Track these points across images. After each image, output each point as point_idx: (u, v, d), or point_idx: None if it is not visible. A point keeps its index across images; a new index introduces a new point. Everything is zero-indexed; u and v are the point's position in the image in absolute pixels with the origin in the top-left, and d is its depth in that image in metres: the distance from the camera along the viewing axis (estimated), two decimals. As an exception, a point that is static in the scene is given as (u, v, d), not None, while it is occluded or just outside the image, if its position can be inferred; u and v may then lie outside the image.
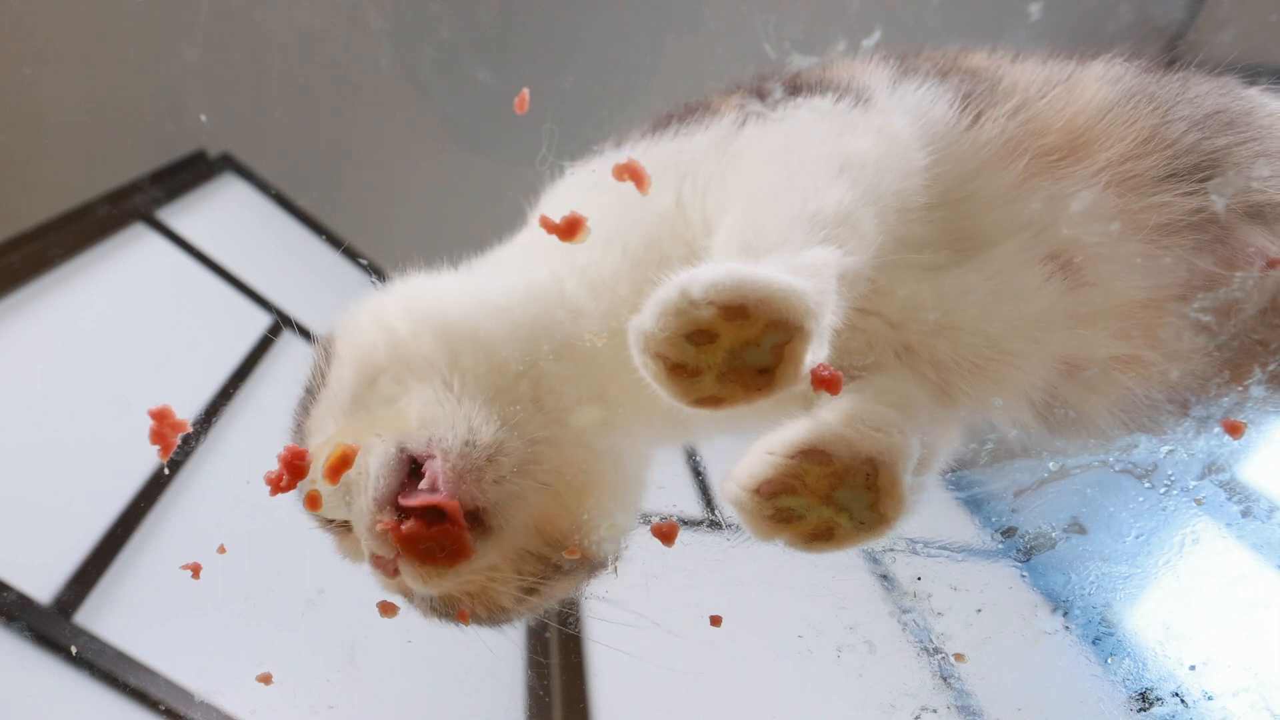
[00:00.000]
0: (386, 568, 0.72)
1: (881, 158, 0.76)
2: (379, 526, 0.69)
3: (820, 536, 0.64)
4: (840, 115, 0.80)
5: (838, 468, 0.62)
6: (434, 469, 0.70)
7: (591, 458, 0.79)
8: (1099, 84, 0.83)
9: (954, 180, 0.79)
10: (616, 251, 0.81)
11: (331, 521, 0.80)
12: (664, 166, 0.83)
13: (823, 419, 0.66)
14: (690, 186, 0.82)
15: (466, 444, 0.70)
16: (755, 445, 0.66)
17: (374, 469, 0.71)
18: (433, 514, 0.69)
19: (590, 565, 0.82)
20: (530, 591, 0.78)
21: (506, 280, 0.84)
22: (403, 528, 0.68)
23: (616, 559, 0.84)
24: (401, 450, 0.72)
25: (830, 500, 0.63)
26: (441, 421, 0.72)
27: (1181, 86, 0.83)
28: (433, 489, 0.69)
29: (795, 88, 0.84)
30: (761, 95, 0.84)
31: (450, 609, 0.78)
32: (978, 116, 0.81)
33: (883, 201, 0.75)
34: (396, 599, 0.82)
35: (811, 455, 0.63)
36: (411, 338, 0.78)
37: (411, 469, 0.72)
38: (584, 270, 0.82)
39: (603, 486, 0.80)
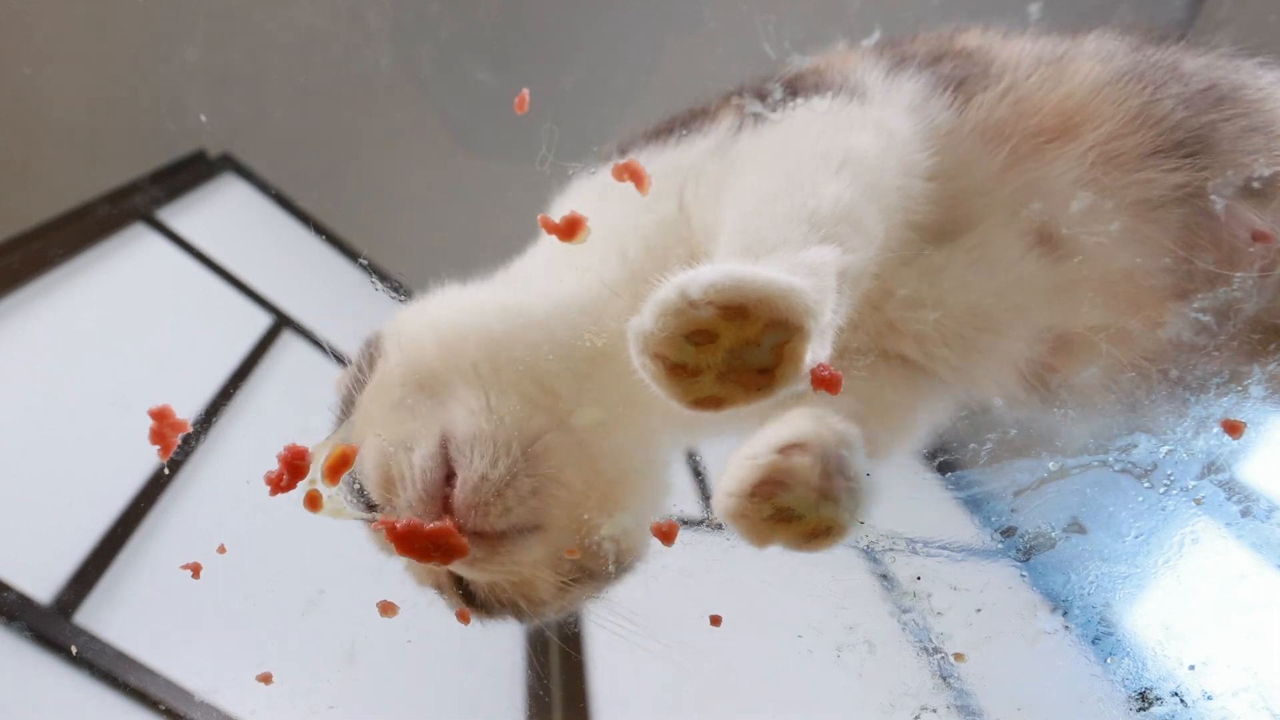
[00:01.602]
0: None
1: (882, 153, 0.77)
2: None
3: (819, 534, 0.64)
4: (837, 112, 0.81)
5: (816, 455, 0.63)
6: (454, 490, 0.72)
7: (622, 460, 0.81)
8: (1091, 62, 0.83)
9: (948, 171, 0.80)
10: (617, 259, 0.82)
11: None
12: (666, 173, 0.83)
13: (789, 422, 0.67)
14: (691, 193, 0.82)
15: (483, 478, 0.72)
16: (733, 458, 0.67)
17: (418, 463, 0.73)
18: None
19: (626, 566, 0.84)
20: (566, 588, 0.80)
21: (541, 293, 0.84)
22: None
23: (633, 561, 0.86)
24: (444, 449, 0.74)
25: (824, 494, 0.63)
26: (469, 442, 0.74)
27: (1174, 63, 0.83)
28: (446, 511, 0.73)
29: (792, 89, 0.84)
30: (759, 97, 0.85)
31: (494, 599, 0.80)
32: (968, 101, 0.81)
33: (885, 198, 0.75)
34: (430, 593, 0.84)
35: (793, 450, 0.63)
36: (452, 350, 0.80)
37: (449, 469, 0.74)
38: (604, 279, 0.83)
39: (632, 486, 0.82)
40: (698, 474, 1.11)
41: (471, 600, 0.81)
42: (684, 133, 0.87)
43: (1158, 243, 0.77)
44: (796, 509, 0.63)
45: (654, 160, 0.85)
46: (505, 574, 0.76)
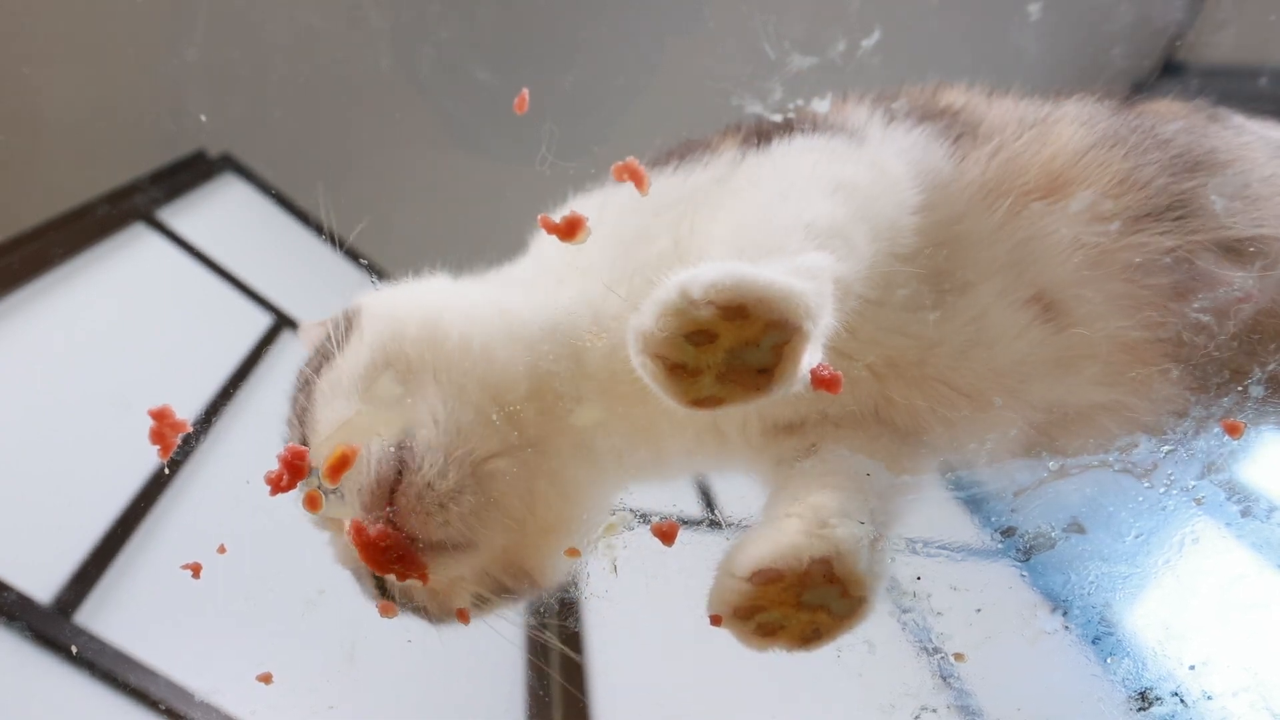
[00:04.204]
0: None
1: (873, 184, 0.78)
2: (348, 527, 0.71)
3: (810, 638, 0.66)
4: (834, 148, 0.82)
5: (792, 579, 0.64)
6: (400, 491, 0.72)
7: (565, 501, 0.82)
8: (1074, 126, 0.85)
9: (941, 222, 0.81)
10: (622, 290, 0.82)
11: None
12: (663, 205, 0.84)
13: (773, 531, 0.68)
14: (688, 228, 0.83)
15: (429, 486, 0.72)
16: (721, 565, 0.69)
17: (375, 455, 0.73)
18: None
19: (542, 590, 0.85)
20: (481, 602, 0.81)
21: (526, 310, 0.84)
22: (370, 531, 0.70)
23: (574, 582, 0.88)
24: (398, 450, 0.74)
25: (802, 604, 0.64)
26: (425, 445, 0.74)
27: (1151, 128, 0.85)
28: (390, 520, 0.72)
29: (790, 127, 0.85)
30: (760, 134, 0.85)
31: (405, 597, 0.80)
32: (963, 158, 0.82)
33: (875, 223, 0.76)
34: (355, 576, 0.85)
35: (764, 576, 0.64)
36: (432, 342, 0.79)
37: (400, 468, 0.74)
38: (593, 305, 0.83)
39: (568, 526, 0.82)
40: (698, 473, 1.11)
41: (384, 593, 0.82)
42: (683, 164, 0.87)
43: (1153, 306, 0.79)
44: (778, 620, 0.65)
45: (652, 189, 0.85)
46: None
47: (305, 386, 0.83)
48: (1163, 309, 0.79)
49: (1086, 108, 0.88)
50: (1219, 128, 0.89)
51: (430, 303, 0.84)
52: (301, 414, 0.81)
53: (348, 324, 0.84)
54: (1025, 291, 0.80)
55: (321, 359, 0.83)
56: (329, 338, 0.84)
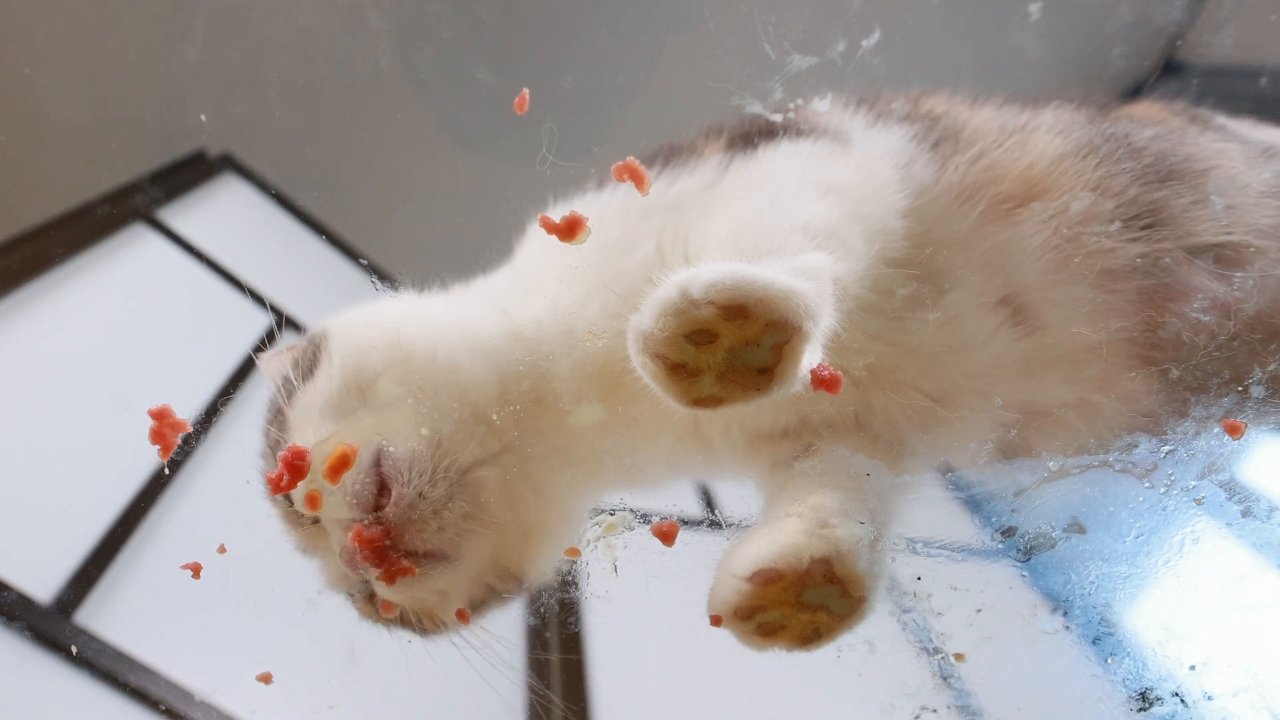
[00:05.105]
0: (354, 563, 0.74)
1: (863, 186, 0.79)
2: (346, 525, 0.72)
3: (810, 638, 0.66)
4: (820, 152, 0.83)
5: (792, 579, 0.64)
6: (387, 506, 0.73)
7: (544, 505, 0.83)
8: (1050, 135, 0.85)
9: (922, 223, 0.81)
10: (597, 302, 0.82)
11: (299, 515, 0.81)
12: (648, 212, 0.84)
13: (773, 531, 0.68)
14: (671, 235, 0.83)
15: (421, 496, 0.73)
16: (721, 565, 0.69)
17: (352, 477, 0.74)
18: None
19: (529, 591, 0.87)
20: (471, 609, 0.82)
21: (492, 321, 0.85)
22: (363, 530, 0.71)
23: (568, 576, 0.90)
24: (377, 465, 0.74)
25: (802, 604, 0.65)
26: (406, 458, 0.74)
27: (1126, 137, 0.85)
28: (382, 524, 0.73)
29: (773, 131, 0.85)
30: (745, 138, 0.86)
31: (391, 615, 0.81)
32: (943, 163, 0.83)
33: (868, 224, 0.76)
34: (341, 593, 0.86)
35: (764, 576, 0.65)
36: (400, 359, 0.80)
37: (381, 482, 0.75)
38: (565, 317, 0.83)
39: (549, 529, 0.84)
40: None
41: (378, 614, 0.82)
42: (668, 168, 0.87)
43: (1122, 312, 0.79)
44: (778, 620, 0.65)
45: (635, 197, 0.85)
46: (410, 600, 0.77)
47: (277, 417, 0.83)
48: (1133, 313, 0.80)
49: (1064, 116, 0.89)
50: (1197, 132, 0.90)
51: (393, 325, 0.84)
52: (275, 446, 0.81)
53: (314, 350, 0.84)
54: (995, 295, 0.81)
55: (290, 388, 0.83)
56: (296, 365, 0.84)
